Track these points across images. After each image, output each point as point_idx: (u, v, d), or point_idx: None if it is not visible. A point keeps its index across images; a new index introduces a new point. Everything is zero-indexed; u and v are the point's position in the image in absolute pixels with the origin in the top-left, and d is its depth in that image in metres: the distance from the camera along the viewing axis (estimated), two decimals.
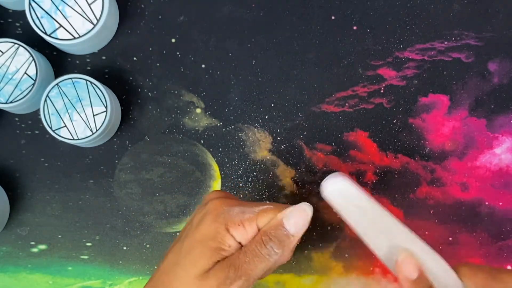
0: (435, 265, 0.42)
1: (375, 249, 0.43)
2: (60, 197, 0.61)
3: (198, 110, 0.61)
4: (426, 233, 0.60)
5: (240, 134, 0.61)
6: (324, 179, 0.43)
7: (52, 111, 0.57)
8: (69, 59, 0.61)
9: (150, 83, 0.61)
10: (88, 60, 0.61)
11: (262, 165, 0.61)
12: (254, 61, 0.61)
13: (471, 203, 0.60)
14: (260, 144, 0.61)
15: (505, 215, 0.60)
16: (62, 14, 0.57)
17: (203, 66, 0.61)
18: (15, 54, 0.57)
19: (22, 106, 0.58)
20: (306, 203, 0.43)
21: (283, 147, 0.61)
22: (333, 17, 0.61)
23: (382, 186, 0.61)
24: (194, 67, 0.61)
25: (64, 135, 0.57)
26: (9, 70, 0.57)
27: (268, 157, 0.61)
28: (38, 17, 0.57)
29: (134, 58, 0.61)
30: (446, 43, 0.61)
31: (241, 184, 0.61)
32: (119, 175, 0.61)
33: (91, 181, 0.61)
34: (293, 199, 0.61)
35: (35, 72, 0.57)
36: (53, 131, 0.57)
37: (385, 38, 0.61)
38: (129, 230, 0.61)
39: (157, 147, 0.61)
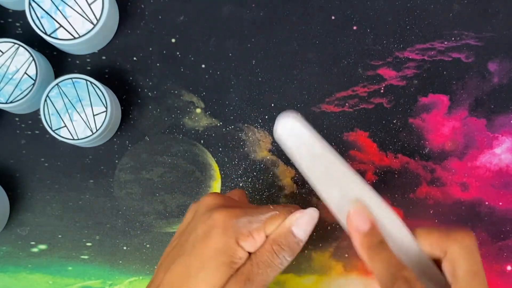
0: (389, 221, 0.40)
1: (326, 199, 0.41)
2: (60, 197, 0.61)
3: (198, 110, 0.61)
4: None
5: (240, 134, 0.61)
6: (277, 118, 0.40)
7: (52, 111, 0.57)
8: (69, 59, 0.61)
9: (150, 83, 0.61)
10: (88, 60, 0.62)
11: (262, 165, 0.61)
12: (254, 61, 0.61)
13: (471, 203, 0.60)
14: (260, 144, 0.61)
15: (505, 215, 0.60)
16: (62, 14, 0.57)
17: (203, 66, 0.61)
18: (15, 54, 0.57)
19: (22, 106, 0.58)
20: (312, 208, 0.43)
21: None
22: (333, 17, 0.61)
23: (382, 186, 0.61)
24: (194, 67, 0.61)
25: (64, 135, 0.57)
26: (9, 70, 0.57)
27: (268, 157, 0.61)
28: (38, 17, 0.57)
29: (134, 58, 0.61)
30: (446, 43, 0.61)
31: (241, 184, 0.61)
32: (119, 175, 0.61)
33: (91, 181, 0.61)
34: (293, 199, 0.61)
35: (35, 72, 0.57)
36: (53, 131, 0.57)
37: (385, 38, 0.61)
38: (129, 230, 0.61)
39: (157, 147, 0.61)
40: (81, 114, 0.57)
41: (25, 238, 0.61)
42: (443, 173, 0.60)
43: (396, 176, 0.61)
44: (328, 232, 0.61)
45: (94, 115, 0.57)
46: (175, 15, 0.62)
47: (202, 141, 0.61)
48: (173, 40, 0.62)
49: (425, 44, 0.61)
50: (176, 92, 0.61)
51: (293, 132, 0.40)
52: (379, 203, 0.40)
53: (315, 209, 0.43)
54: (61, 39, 0.57)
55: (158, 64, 0.61)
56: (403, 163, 0.61)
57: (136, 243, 0.61)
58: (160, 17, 0.62)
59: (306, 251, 0.60)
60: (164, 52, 0.61)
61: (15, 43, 0.57)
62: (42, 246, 0.61)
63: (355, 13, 0.61)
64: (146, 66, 0.61)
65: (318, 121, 0.61)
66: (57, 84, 0.57)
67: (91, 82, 0.57)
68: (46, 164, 0.61)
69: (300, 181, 0.61)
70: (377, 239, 0.39)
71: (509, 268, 0.60)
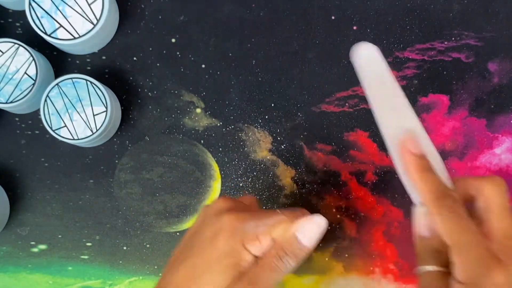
0: (433, 159, 0.42)
1: (382, 125, 0.44)
2: (60, 197, 0.61)
3: (198, 110, 0.61)
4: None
5: (240, 134, 0.61)
6: (357, 44, 0.44)
7: (52, 111, 0.57)
8: (69, 59, 0.61)
9: (150, 83, 0.61)
10: (88, 60, 0.62)
11: (262, 165, 0.61)
12: (254, 61, 0.61)
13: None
14: (260, 144, 0.61)
15: None
16: (62, 14, 0.57)
17: (203, 66, 0.61)
18: (15, 54, 0.57)
19: (22, 106, 0.58)
20: (319, 215, 0.43)
21: (283, 147, 0.61)
22: (333, 17, 0.61)
23: (382, 186, 0.61)
24: (194, 67, 0.61)
25: (64, 135, 0.57)
26: (9, 70, 0.57)
27: (268, 157, 0.61)
28: (38, 17, 0.57)
29: (134, 58, 0.61)
30: (446, 43, 0.61)
31: (241, 184, 0.61)
32: (119, 175, 0.61)
33: (91, 181, 0.61)
34: (293, 199, 0.61)
35: (35, 72, 0.57)
36: (53, 131, 0.57)
37: (385, 38, 0.61)
38: (129, 230, 0.61)
39: (157, 147, 0.61)
40: (81, 114, 0.57)
41: (25, 238, 0.61)
42: None
43: (396, 176, 0.61)
44: (328, 232, 0.60)
45: (94, 115, 0.57)
46: (175, 15, 0.62)
47: (202, 141, 0.61)
48: (173, 40, 0.62)
49: (425, 44, 0.61)
50: (176, 92, 0.61)
51: (370, 59, 0.44)
52: (428, 141, 0.43)
53: (321, 216, 0.43)
54: (61, 39, 0.57)
55: (158, 64, 0.61)
56: None
57: (136, 243, 0.61)
58: (160, 17, 0.62)
59: None
60: (164, 52, 0.61)
61: (15, 43, 0.57)
62: (42, 246, 0.61)
63: (355, 13, 0.61)
64: (146, 66, 0.61)
65: (318, 121, 0.61)
66: (57, 84, 0.57)
67: (91, 82, 0.57)
68: (46, 164, 0.61)
69: (300, 181, 0.61)
70: (427, 162, 0.41)
71: None
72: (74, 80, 0.57)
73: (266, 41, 0.61)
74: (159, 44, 0.61)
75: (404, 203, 0.60)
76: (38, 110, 0.60)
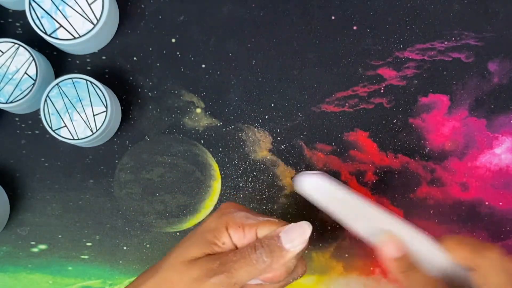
0: (419, 242, 0.43)
1: (360, 234, 0.45)
2: (60, 197, 0.61)
3: (198, 110, 0.61)
4: (426, 233, 0.60)
5: (240, 134, 0.61)
6: (297, 177, 0.45)
7: (52, 111, 0.57)
8: (69, 59, 0.61)
9: (150, 83, 0.61)
10: (88, 60, 0.62)
11: (262, 165, 0.61)
12: (254, 61, 0.61)
13: (471, 203, 0.60)
14: (260, 144, 0.61)
15: (505, 215, 0.60)
16: (62, 14, 0.57)
17: (203, 66, 0.61)
18: (15, 54, 0.57)
19: (22, 106, 0.58)
20: (307, 222, 0.43)
21: (283, 147, 0.61)
22: (333, 17, 0.61)
23: (382, 186, 0.61)
24: (194, 67, 0.61)
25: (64, 135, 0.57)
26: (9, 70, 0.57)
27: (268, 157, 0.61)
28: (38, 17, 0.57)
29: (134, 58, 0.61)
30: (446, 43, 0.61)
31: (241, 184, 0.61)
32: (119, 175, 0.61)
33: (91, 181, 0.61)
34: (293, 199, 0.61)
35: (35, 72, 0.57)
36: (53, 131, 0.57)
37: (385, 38, 0.61)
38: (129, 230, 0.61)
39: (157, 147, 0.61)
40: (81, 114, 0.57)
41: (25, 238, 0.61)
42: (443, 173, 0.60)
43: (396, 176, 0.61)
44: (328, 232, 0.61)
45: (94, 115, 0.57)
46: (175, 15, 0.62)
47: (202, 141, 0.61)
48: (173, 40, 0.62)
49: (425, 44, 0.61)
50: (176, 92, 0.61)
51: (318, 188, 0.44)
52: (407, 228, 0.44)
53: (308, 223, 0.43)
54: (61, 39, 0.57)
55: (158, 64, 0.61)
56: (403, 163, 0.61)
57: (136, 243, 0.61)
58: (160, 17, 0.62)
59: (306, 251, 0.60)
60: (164, 52, 0.61)
61: (15, 43, 0.57)
62: (42, 246, 0.61)
63: (355, 13, 0.61)
64: (146, 66, 0.61)
65: (318, 121, 0.61)
66: (57, 84, 0.57)
67: (91, 82, 0.57)
68: (46, 164, 0.61)
69: None
70: (408, 262, 0.43)
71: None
72: (74, 80, 0.57)
73: (266, 41, 0.61)
74: (159, 44, 0.61)
75: (404, 203, 0.60)
76: (38, 110, 0.60)
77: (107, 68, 0.61)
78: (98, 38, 0.59)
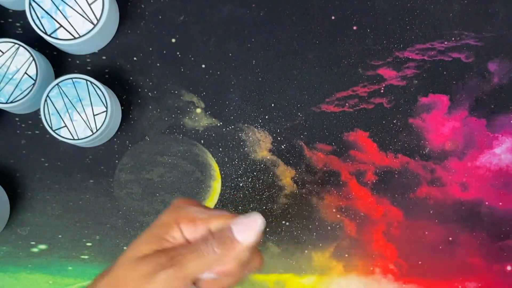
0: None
1: None
2: (60, 197, 0.61)
3: (198, 110, 0.61)
4: (426, 233, 0.60)
5: (240, 134, 0.61)
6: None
7: (52, 111, 0.57)
8: (69, 59, 0.61)
9: (150, 83, 0.61)
10: (88, 60, 0.62)
11: (262, 165, 0.61)
12: (254, 61, 0.61)
13: (471, 203, 0.60)
14: (260, 144, 0.61)
15: (505, 215, 0.60)
16: (62, 14, 0.57)
17: (203, 66, 0.61)
18: (15, 54, 0.57)
19: (23, 106, 0.58)
20: (259, 214, 0.42)
21: (283, 147, 0.61)
22: (333, 17, 0.61)
23: (382, 186, 0.61)
24: (194, 67, 0.61)
25: (64, 135, 0.57)
26: (10, 70, 0.57)
27: (268, 157, 0.61)
28: (38, 17, 0.57)
29: (134, 58, 0.61)
30: (446, 43, 0.61)
31: (241, 184, 0.61)
32: (119, 175, 0.61)
33: (91, 181, 0.61)
34: (293, 199, 0.61)
35: (35, 72, 0.57)
36: (53, 131, 0.57)
37: (385, 38, 0.61)
38: (129, 230, 0.61)
39: (157, 147, 0.61)
40: (81, 114, 0.57)
41: (25, 238, 0.61)
42: (443, 173, 0.60)
43: (396, 176, 0.61)
44: (328, 232, 0.61)
45: (94, 115, 0.57)
46: (175, 15, 0.62)
47: (202, 141, 0.61)
48: (173, 40, 0.62)
49: (425, 44, 0.61)
50: (176, 92, 0.61)
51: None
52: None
53: (261, 216, 0.42)
54: (61, 39, 0.57)
55: (158, 64, 0.61)
56: (403, 163, 0.61)
57: None
58: (160, 17, 0.62)
59: (306, 251, 0.60)
60: (164, 52, 0.61)
61: (15, 43, 0.57)
62: (42, 246, 0.61)
63: (355, 13, 0.61)
64: (146, 66, 0.61)
65: (318, 121, 0.61)
66: (57, 84, 0.57)
67: (91, 82, 0.57)
68: (46, 164, 0.61)
69: (300, 181, 0.61)
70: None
71: (509, 268, 0.60)
72: (74, 80, 0.57)
73: (266, 41, 0.61)
74: (159, 44, 0.61)
75: (404, 203, 0.60)
76: (38, 110, 0.60)
77: (107, 68, 0.61)
78: (98, 38, 0.59)
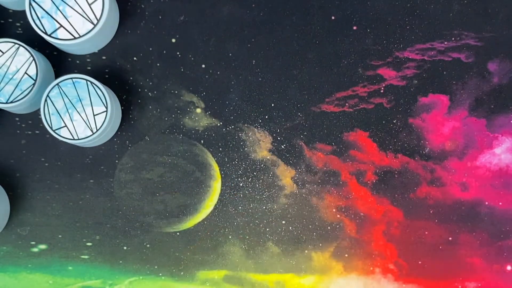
0: None
1: None
2: (60, 197, 0.61)
3: (198, 110, 0.61)
4: (426, 233, 0.60)
5: (240, 134, 0.61)
6: None
7: (52, 111, 0.57)
8: (69, 59, 0.61)
9: (150, 83, 0.61)
10: (88, 60, 0.62)
11: (262, 165, 0.61)
12: (254, 61, 0.61)
13: (471, 203, 0.60)
14: (260, 144, 0.61)
15: (505, 215, 0.60)
16: (63, 14, 0.57)
17: (203, 66, 0.61)
18: (15, 54, 0.57)
19: (23, 106, 0.58)
20: None
21: (283, 147, 0.61)
22: (333, 17, 0.61)
23: (382, 186, 0.61)
24: (194, 67, 0.61)
25: (64, 135, 0.57)
26: (9, 70, 0.57)
27: (268, 157, 0.61)
28: (38, 17, 0.57)
29: (134, 58, 0.62)
30: (446, 43, 0.61)
31: (241, 184, 0.61)
32: (119, 175, 0.61)
33: (91, 181, 0.61)
34: (293, 199, 0.61)
35: (35, 72, 0.57)
36: (54, 131, 0.57)
37: (385, 38, 0.61)
38: (129, 230, 0.61)
39: (157, 147, 0.61)
40: (81, 114, 0.57)
41: (25, 238, 0.61)
42: (443, 173, 0.60)
43: (396, 176, 0.61)
44: (328, 232, 0.61)
45: (94, 115, 0.57)
46: (175, 15, 0.62)
47: (202, 141, 0.61)
48: (173, 40, 0.62)
49: (425, 44, 0.61)
50: (176, 92, 0.61)
51: None
52: None
53: None
54: (61, 39, 0.57)
55: (158, 64, 0.61)
56: (403, 163, 0.61)
57: (136, 243, 0.61)
58: (160, 17, 0.62)
59: (306, 251, 0.60)
60: (164, 52, 0.61)
61: (15, 43, 0.57)
62: (42, 246, 0.61)
63: (355, 13, 0.61)
64: (146, 66, 0.61)
65: (318, 121, 0.61)
66: (57, 84, 0.57)
67: (91, 82, 0.57)
68: (46, 164, 0.61)
69: (300, 181, 0.61)
70: None
71: (509, 268, 0.60)
72: (74, 80, 0.57)
73: (266, 41, 0.61)
74: (159, 44, 0.61)
75: (404, 203, 0.60)
76: (38, 110, 0.60)
77: (107, 68, 0.61)
78: (98, 38, 0.59)
